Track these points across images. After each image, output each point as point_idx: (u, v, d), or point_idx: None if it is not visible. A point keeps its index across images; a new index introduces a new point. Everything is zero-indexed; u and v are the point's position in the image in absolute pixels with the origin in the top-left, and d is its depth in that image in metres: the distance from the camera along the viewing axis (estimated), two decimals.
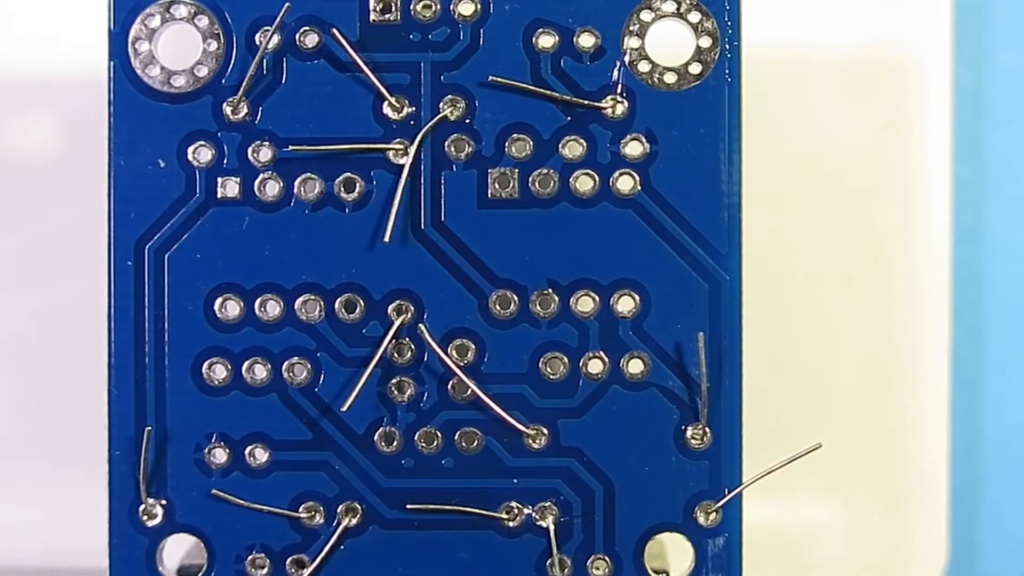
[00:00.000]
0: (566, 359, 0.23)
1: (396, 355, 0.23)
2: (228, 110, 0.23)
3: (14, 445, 0.31)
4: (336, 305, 0.23)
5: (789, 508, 0.31)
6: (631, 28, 0.23)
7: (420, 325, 0.23)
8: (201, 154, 0.23)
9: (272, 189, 0.23)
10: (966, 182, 0.31)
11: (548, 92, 0.23)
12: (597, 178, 0.23)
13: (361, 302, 0.23)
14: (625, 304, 0.23)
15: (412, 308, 0.23)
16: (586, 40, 0.23)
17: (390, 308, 0.23)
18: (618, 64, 0.23)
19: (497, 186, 0.23)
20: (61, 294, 0.31)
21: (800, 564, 0.31)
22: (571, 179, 0.23)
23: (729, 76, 0.23)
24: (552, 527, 0.23)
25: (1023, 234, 0.32)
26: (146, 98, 0.23)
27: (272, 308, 0.23)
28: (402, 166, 0.23)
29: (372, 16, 0.23)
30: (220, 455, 0.23)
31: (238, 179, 0.23)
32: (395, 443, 0.23)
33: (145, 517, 0.23)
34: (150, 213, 0.23)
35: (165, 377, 0.23)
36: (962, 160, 0.31)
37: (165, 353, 0.23)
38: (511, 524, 0.23)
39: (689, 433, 0.23)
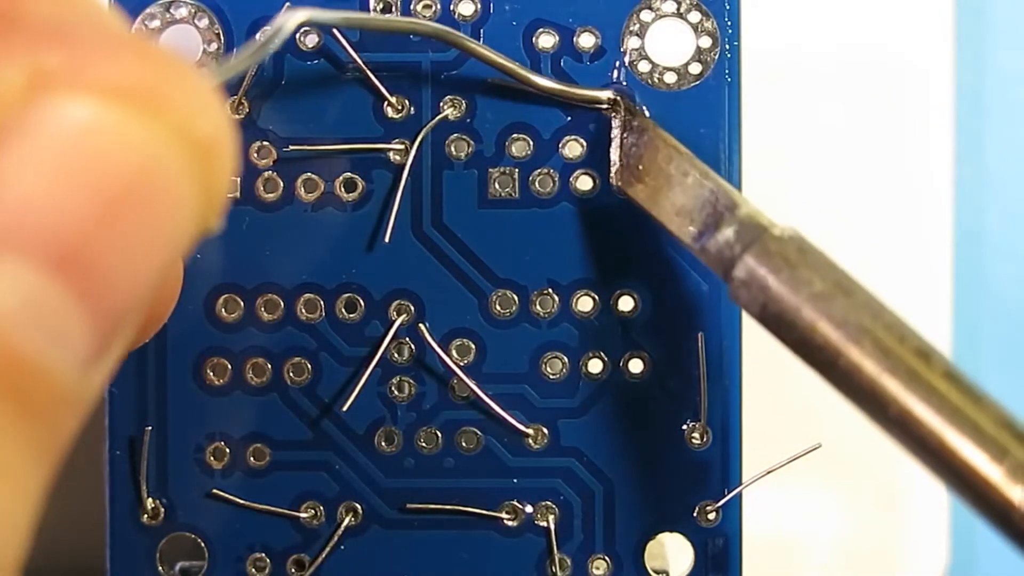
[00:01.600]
0: (566, 359, 0.23)
1: (396, 355, 0.23)
2: (228, 110, 0.23)
3: None
4: (336, 305, 0.23)
5: (789, 508, 0.31)
6: (631, 28, 0.23)
7: (420, 325, 0.23)
8: None
9: (272, 189, 0.23)
10: (966, 182, 0.31)
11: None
12: (597, 178, 0.23)
13: (361, 302, 0.23)
14: (625, 304, 0.23)
15: (412, 308, 0.23)
16: (586, 40, 0.23)
17: (390, 308, 0.23)
18: (618, 64, 0.23)
19: (497, 186, 0.23)
20: None
21: (800, 564, 0.31)
22: (571, 179, 0.23)
23: (729, 76, 0.23)
24: (552, 527, 0.23)
25: (1023, 234, 0.32)
26: None
27: (272, 308, 0.23)
28: (402, 166, 0.23)
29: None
30: (220, 455, 0.23)
31: (238, 179, 0.23)
32: (395, 443, 0.23)
33: (145, 517, 0.23)
34: None
35: (165, 377, 0.23)
36: (962, 160, 0.31)
37: (165, 353, 0.23)
38: (511, 524, 0.23)
39: (689, 433, 0.23)
